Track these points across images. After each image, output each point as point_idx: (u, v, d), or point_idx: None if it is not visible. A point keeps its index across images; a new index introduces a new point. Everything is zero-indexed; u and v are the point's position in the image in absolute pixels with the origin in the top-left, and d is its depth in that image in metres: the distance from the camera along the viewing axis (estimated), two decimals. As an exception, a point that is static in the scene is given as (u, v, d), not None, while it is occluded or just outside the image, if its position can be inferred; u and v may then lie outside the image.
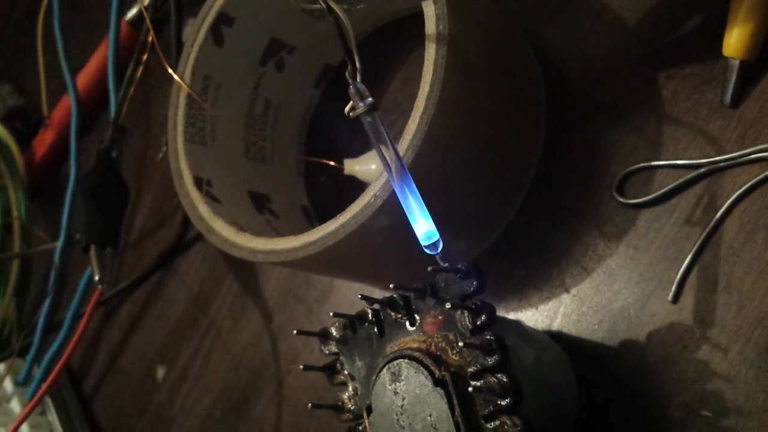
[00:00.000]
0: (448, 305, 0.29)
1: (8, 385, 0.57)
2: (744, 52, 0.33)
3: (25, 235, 0.63)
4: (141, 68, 0.54)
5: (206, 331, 0.53)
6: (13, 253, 0.61)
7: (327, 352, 0.33)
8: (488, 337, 0.28)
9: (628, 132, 0.38)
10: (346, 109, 0.29)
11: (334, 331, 0.33)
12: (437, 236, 0.29)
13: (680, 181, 0.35)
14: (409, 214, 0.29)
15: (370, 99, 0.28)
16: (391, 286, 0.30)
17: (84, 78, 0.63)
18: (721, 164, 0.35)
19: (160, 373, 0.55)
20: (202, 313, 0.53)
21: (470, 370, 0.28)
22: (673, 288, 0.35)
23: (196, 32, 0.43)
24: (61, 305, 0.60)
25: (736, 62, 0.34)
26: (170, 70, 0.43)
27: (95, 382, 0.59)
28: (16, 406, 0.56)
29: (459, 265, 0.29)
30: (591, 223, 0.38)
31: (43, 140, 0.67)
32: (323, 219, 0.35)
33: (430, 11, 0.34)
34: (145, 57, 0.55)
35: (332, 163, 0.45)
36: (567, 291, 0.38)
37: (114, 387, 0.58)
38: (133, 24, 0.61)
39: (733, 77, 0.34)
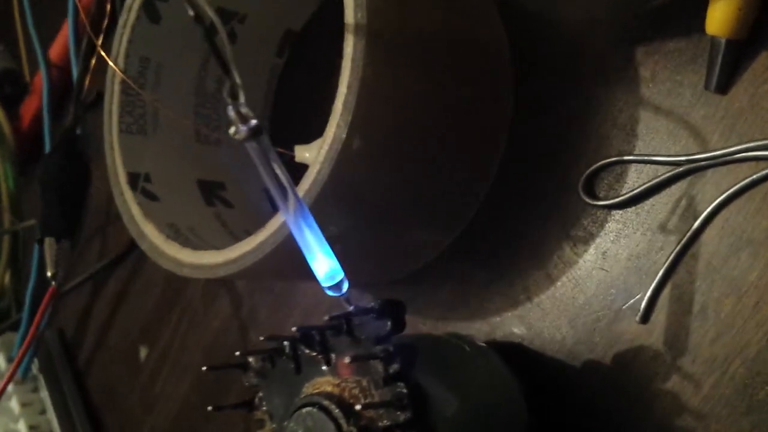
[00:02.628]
0: (359, 351, 0.26)
1: (1, 360, 0.57)
2: (731, 29, 0.27)
3: (14, 207, 0.62)
4: (101, 37, 0.51)
5: (182, 313, 0.51)
6: (2, 229, 0.60)
7: (247, 383, 0.30)
8: (400, 390, 0.25)
9: (600, 119, 0.32)
10: (230, 131, 0.25)
11: (252, 362, 0.30)
12: (341, 275, 0.25)
13: (655, 180, 0.30)
14: (307, 252, 0.25)
15: (254, 122, 0.24)
16: (294, 329, 0.26)
17: (60, 43, 0.60)
18: (703, 163, 0.29)
19: (143, 353, 0.54)
20: (177, 294, 0.51)
21: (381, 424, 0.25)
22: (643, 306, 0.30)
23: (128, 10, 0.39)
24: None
25: (722, 41, 0.28)
26: (103, 53, 0.39)
27: (88, 356, 0.59)
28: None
29: (372, 304, 0.26)
30: (557, 224, 0.33)
31: (29, 107, 0.65)
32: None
33: (349, -6, 0.28)
34: (104, 24, 0.51)
35: (281, 150, 0.40)
36: (530, 299, 0.34)
37: (104, 363, 0.57)
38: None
39: (719, 59, 0.28)
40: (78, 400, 0.57)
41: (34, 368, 0.57)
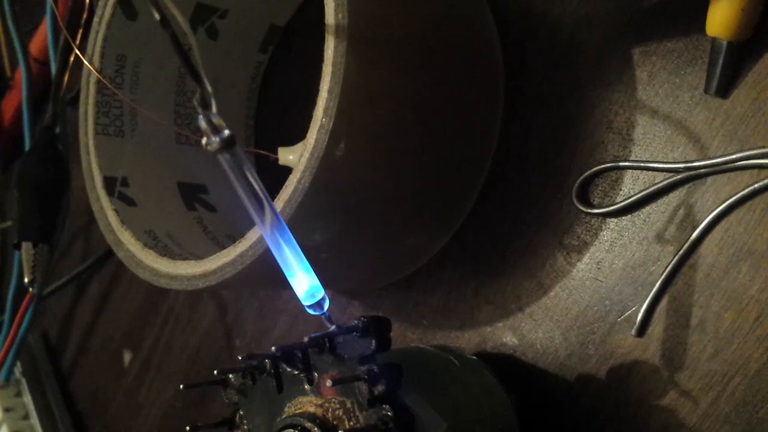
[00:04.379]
0: (343, 370, 0.25)
1: (-17, 365, 0.56)
2: (733, 30, 0.26)
3: (-4, 206, 0.61)
4: (80, 31, 0.49)
5: (166, 318, 0.50)
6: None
7: (227, 401, 0.29)
8: (385, 412, 0.24)
9: (595, 122, 0.31)
10: (203, 142, 0.23)
11: (232, 379, 0.29)
12: (322, 293, 0.24)
13: (652, 188, 0.29)
14: (286, 269, 0.23)
15: (226, 132, 0.23)
16: (273, 348, 0.25)
17: (40, 37, 0.58)
18: (703, 170, 0.28)
19: (127, 358, 0.52)
20: (162, 297, 0.50)
21: (364, 450, 0.24)
22: (639, 319, 0.29)
23: (103, 6, 0.37)
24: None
25: (724, 43, 0.26)
26: (78, 52, 0.38)
27: (72, 360, 0.57)
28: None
29: (355, 322, 0.24)
30: (549, 231, 0.32)
31: (11, 102, 0.63)
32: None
33: (330, -5, 0.27)
34: (83, 18, 0.49)
35: (265, 152, 0.39)
36: (521, 309, 0.33)
37: (88, 367, 0.56)
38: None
39: (720, 61, 0.27)
40: (62, 405, 0.55)
41: (17, 372, 0.56)
